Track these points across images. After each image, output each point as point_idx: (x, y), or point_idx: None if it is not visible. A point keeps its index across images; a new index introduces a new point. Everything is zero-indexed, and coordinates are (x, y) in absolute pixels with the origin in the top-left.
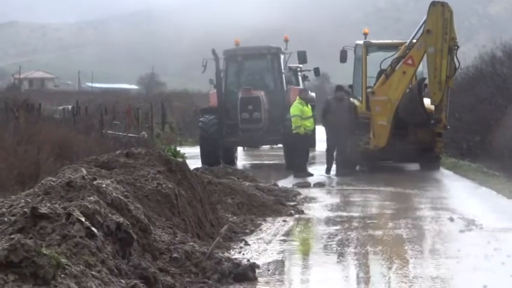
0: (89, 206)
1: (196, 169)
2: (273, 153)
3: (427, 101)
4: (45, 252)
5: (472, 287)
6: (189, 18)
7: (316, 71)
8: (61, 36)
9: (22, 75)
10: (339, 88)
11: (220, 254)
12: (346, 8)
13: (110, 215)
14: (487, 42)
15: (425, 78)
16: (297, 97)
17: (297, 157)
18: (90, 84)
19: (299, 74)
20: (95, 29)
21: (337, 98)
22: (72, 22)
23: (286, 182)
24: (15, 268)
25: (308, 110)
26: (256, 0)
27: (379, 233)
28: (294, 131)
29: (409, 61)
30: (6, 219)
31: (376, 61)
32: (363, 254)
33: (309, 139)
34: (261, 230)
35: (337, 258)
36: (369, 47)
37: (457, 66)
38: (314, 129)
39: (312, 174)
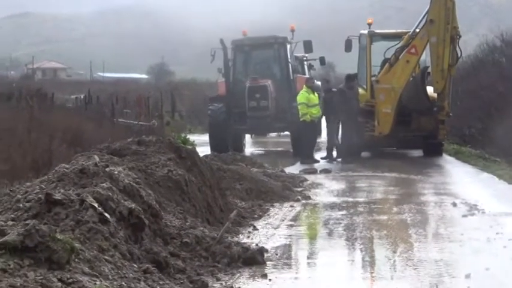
0: (102, 192)
1: (206, 156)
2: (280, 140)
3: (430, 89)
4: (59, 237)
5: (475, 270)
6: (197, 9)
7: (322, 60)
8: (73, 27)
9: (35, 65)
10: (351, 78)
11: (230, 239)
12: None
13: (122, 201)
14: (488, 32)
15: (428, 67)
16: (304, 85)
17: (304, 144)
18: (101, 74)
19: (305, 63)
20: (106, 20)
21: (349, 88)
22: (84, 13)
23: (293, 169)
24: (30, 253)
25: (314, 97)
26: None
27: (384, 217)
28: (300, 119)
29: (413, 50)
30: (21, 205)
31: (380, 50)
32: (368, 238)
33: (316, 126)
34: (268, 215)
35: (343, 242)
36: (373, 37)
37: (459, 55)
38: (320, 117)
39: (318, 161)
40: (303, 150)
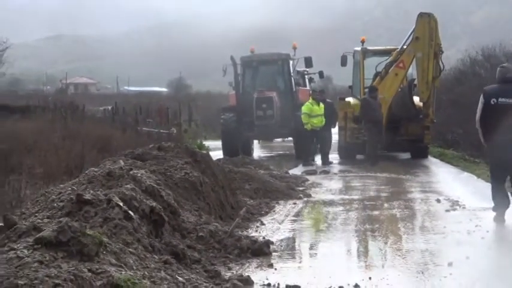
0: (126, 193)
1: (219, 159)
2: (284, 145)
3: (416, 99)
4: (89, 232)
5: (457, 259)
6: (210, 28)
7: (321, 74)
8: (101, 47)
9: (68, 80)
10: (374, 88)
11: (240, 233)
12: (346, 17)
13: (144, 200)
14: (468, 48)
15: (414, 79)
16: (310, 97)
17: (305, 149)
18: (126, 87)
19: (306, 76)
20: (130, 39)
21: (373, 97)
22: (110, 34)
23: (296, 170)
24: (63, 247)
25: (317, 109)
26: (269, 11)
27: (376, 213)
28: (304, 126)
29: (401, 64)
30: (55, 204)
31: (372, 64)
32: (362, 231)
33: (316, 134)
34: (274, 211)
35: (340, 235)
36: (365, 53)
37: (442, 69)
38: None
39: (315, 163)
40: (303, 154)
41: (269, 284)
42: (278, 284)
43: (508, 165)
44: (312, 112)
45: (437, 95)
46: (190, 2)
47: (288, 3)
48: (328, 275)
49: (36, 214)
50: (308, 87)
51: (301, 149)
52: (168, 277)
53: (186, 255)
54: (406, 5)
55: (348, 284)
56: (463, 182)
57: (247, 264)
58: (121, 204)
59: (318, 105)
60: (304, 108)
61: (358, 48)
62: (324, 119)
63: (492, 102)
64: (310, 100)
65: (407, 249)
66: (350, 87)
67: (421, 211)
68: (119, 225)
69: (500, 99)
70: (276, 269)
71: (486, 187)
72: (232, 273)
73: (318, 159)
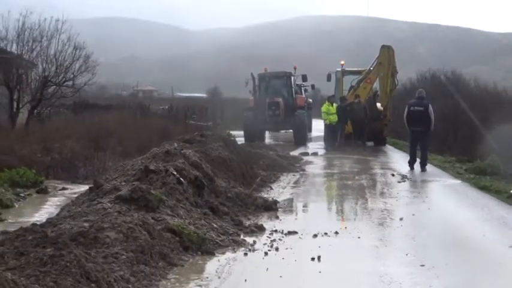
0: (179, 165)
1: (242, 144)
2: (286, 135)
3: (378, 104)
4: (152, 192)
5: (406, 215)
6: (236, 54)
7: (312, 86)
8: (163, 66)
9: (139, 88)
10: (357, 96)
11: (256, 194)
12: (329, 49)
13: (191, 170)
14: (416, 69)
15: (377, 91)
16: (326, 101)
17: (325, 137)
18: (179, 93)
19: (302, 88)
20: (182, 61)
21: (355, 103)
22: (165, 58)
23: (295, 152)
24: (135, 202)
25: (333, 109)
26: (279, 41)
27: (349, 182)
28: (324, 122)
29: (368, 81)
30: (129, 172)
31: (348, 80)
32: (340, 195)
33: (333, 127)
34: (279, 180)
35: (325, 197)
36: (344, 72)
37: (396, 84)
38: (337, 121)
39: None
40: (302, 141)
41: (276, 230)
42: (282, 230)
43: (417, 139)
44: (328, 111)
45: (393, 102)
46: (220, 32)
47: (292, 41)
48: (316, 224)
49: (116, 179)
50: (304, 95)
51: (299, 138)
52: (207, 224)
53: (219, 209)
54: (371, 41)
55: (331, 231)
56: None
57: (261, 216)
58: (175, 173)
59: (332, 106)
60: (323, 108)
61: (339, 69)
62: (337, 117)
63: (412, 109)
64: (327, 103)
65: (371, 208)
66: (333, 96)
67: (380, 182)
68: (173, 188)
69: (415, 107)
70: (280, 220)
71: (428, 167)
72: (251, 222)
73: (310, 145)
